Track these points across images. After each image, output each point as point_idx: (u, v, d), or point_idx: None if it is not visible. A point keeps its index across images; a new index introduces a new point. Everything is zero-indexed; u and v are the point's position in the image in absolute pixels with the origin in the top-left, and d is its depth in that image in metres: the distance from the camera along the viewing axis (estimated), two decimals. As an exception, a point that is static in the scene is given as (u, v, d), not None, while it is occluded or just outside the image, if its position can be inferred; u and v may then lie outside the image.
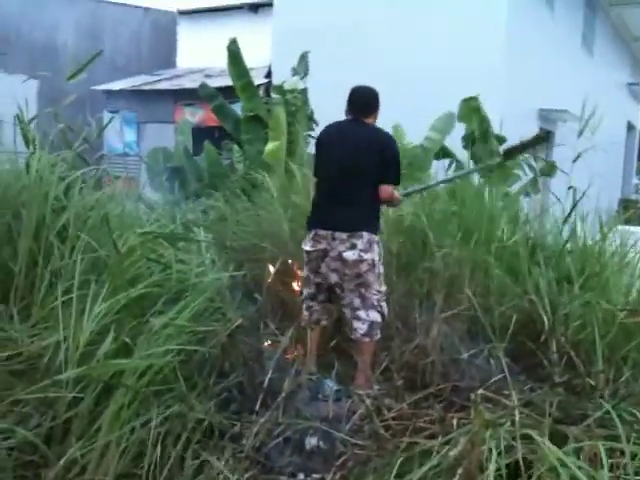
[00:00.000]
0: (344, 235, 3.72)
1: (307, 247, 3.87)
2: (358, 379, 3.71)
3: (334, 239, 3.74)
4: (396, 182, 3.93)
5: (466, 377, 3.42)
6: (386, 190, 3.83)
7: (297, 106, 7.62)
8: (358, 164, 3.81)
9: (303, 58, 7.98)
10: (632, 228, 7.84)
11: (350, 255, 3.70)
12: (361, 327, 3.76)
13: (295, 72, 7.88)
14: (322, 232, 3.79)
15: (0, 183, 3.48)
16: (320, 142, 4.04)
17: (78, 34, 16.27)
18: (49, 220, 3.20)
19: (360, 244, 3.71)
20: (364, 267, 3.73)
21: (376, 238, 3.82)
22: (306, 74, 7.91)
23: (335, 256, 3.74)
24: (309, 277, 3.93)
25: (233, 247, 4.63)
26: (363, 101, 3.99)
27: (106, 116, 13.11)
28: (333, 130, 4.02)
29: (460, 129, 7.14)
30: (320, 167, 4.00)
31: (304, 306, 3.97)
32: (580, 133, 5.06)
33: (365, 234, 3.74)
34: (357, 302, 3.79)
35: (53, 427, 2.63)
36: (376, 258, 3.79)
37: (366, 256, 3.72)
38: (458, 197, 4.93)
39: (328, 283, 3.86)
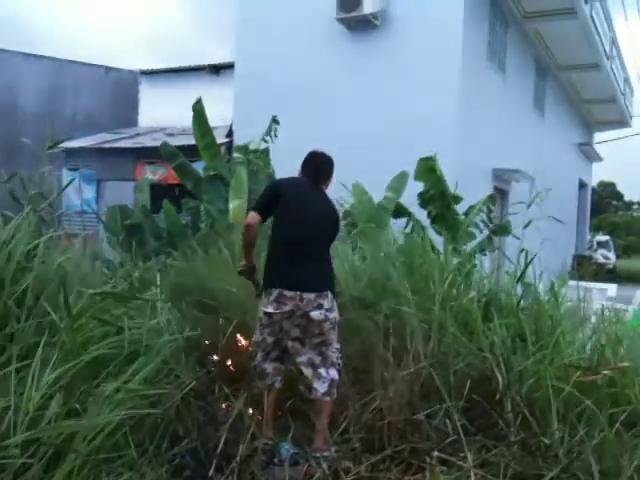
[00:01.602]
0: (312, 296, 3.68)
1: (270, 309, 3.70)
2: (317, 441, 3.63)
3: (302, 300, 3.67)
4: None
5: (423, 437, 3.41)
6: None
7: (259, 166, 7.73)
8: (323, 227, 3.86)
9: (274, 121, 8.14)
10: (585, 284, 8.03)
11: (317, 315, 3.67)
12: (322, 386, 3.70)
13: (265, 134, 8.02)
14: (288, 293, 3.67)
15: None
16: (281, 195, 3.85)
17: (39, 91, 16.31)
18: (8, 283, 3.14)
19: (326, 303, 3.71)
20: (327, 326, 3.72)
21: (334, 297, 3.84)
22: (275, 136, 8.07)
23: (301, 314, 3.68)
24: (265, 340, 3.80)
25: (189, 306, 4.57)
26: (322, 171, 4.04)
27: (65, 174, 13.06)
28: (296, 189, 3.93)
29: (418, 187, 7.29)
30: (284, 225, 3.83)
31: (257, 371, 3.85)
32: (529, 204, 5.24)
33: (329, 294, 3.76)
34: (317, 360, 3.74)
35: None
36: (337, 317, 3.80)
37: (331, 315, 3.73)
38: (411, 254, 4.98)
39: (289, 338, 3.74)
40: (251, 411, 3.86)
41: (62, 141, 4.20)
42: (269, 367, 3.83)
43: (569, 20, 12.80)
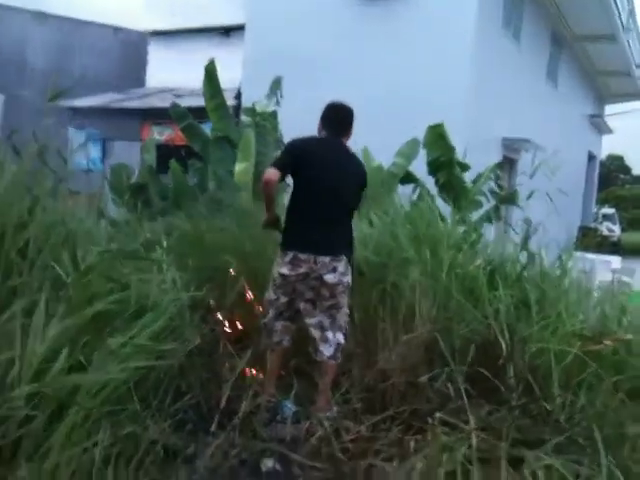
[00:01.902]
0: (327, 259, 3.67)
1: (284, 271, 3.71)
2: (319, 401, 3.67)
3: (316, 263, 3.66)
4: (359, 208, 4.09)
5: (424, 400, 3.43)
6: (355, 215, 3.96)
7: (267, 129, 7.67)
8: (343, 191, 3.80)
9: (277, 82, 8.04)
10: (589, 255, 8.02)
11: (331, 278, 3.67)
12: (328, 349, 3.72)
13: (269, 96, 7.93)
14: (303, 256, 3.66)
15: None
16: (299, 156, 3.75)
17: (48, 50, 16.20)
18: (10, 235, 3.13)
19: (340, 267, 3.71)
20: (339, 289, 3.72)
21: (350, 262, 3.83)
22: (280, 98, 7.97)
23: (315, 277, 3.68)
24: (278, 299, 3.79)
25: (195, 266, 4.58)
26: (344, 120, 3.94)
27: (72, 132, 13.02)
28: (315, 148, 3.83)
29: (425, 155, 7.23)
30: (303, 186, 3.78)
31: (266, 329, 3.86)
32: (532, 173, 5.20)
33: (344, 258, 3.75)
34: (327, 323, 3.75)
35: (2, 446, 2.55)
36: (350, 281, 3.80)
37: (344, 279, 3.73)
38: (419, 221, 4.96)
39: (302, 299, 3.75)
40: (255, 369, 3.89)
41: (63, 93, 4.13)
42: (279, 325, 3.84)
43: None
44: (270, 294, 3.85)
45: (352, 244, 3.92)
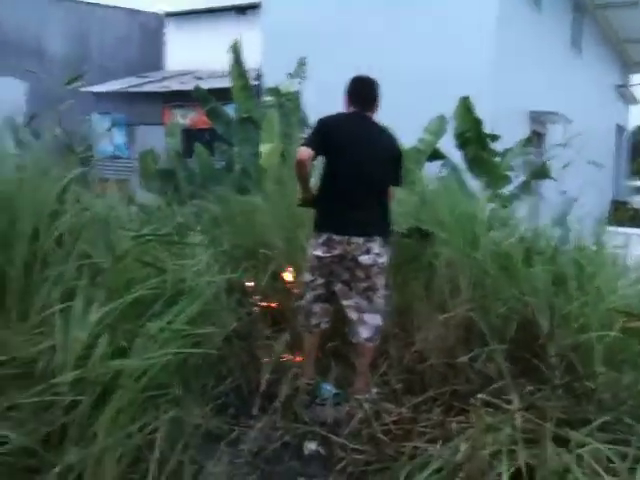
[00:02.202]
0: (360, 240, 3.63)
1: (319, 252, 3.68)
2: (357, 383, 3.65)
3: (350, 244, 3.63)
4: (400, 183, 3.98)
5: (464, 381, 3.41)
6: (394, 192, 3.90)
7: (290, 109, 7.60)
8: (376, 169, 3.74)
9: (302, 63, 7.96)
10: (623, 229, 7.89)
11: (365, 259, 3.63)
12: (365, 331, 3.69)
13: (291, 76, 7.85)
14: (337, 237, 3.63)
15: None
16: (328, 133, 3.71)
17: (65, 36, 16.20)
18: (45, 225, 3.14)
19: (375, 248, 3.66)
20: (375, 270, 3.68)
21: (387, 242, 3.78)
22: (303, 78, 7.89)
23: (350, 258, 3.65)
24: (315, 280, 3.76)
25: (229, 250, 4.58)
26: (372, 95, 3.86)
27: (96, 118, 13.05)
28: (344, 125, 3.78)
29: (450, 130, 7.13)
30: (333, 165, 3.74)
31: (304, 311, 3.83)
32: (564, 144, 5.09)
33: (379, 238, 3.70)
34: (364, 305, 3.71)
35: (49, 432, 2.58)
36: (386, 262, 3.75)
37: (379, 260, 3.68)
38: (448, 200, 4.89)
39: (339, 281, 3.71)
40: (293, 352, 3.89)
41: (79, 78, 4.13)
42: (317, 307, 3.80)
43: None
44: (306, 276, 3.82)
45: (388, 224, 3.85)
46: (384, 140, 3.86)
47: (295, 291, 4.15)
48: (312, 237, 3.78)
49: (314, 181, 3.95)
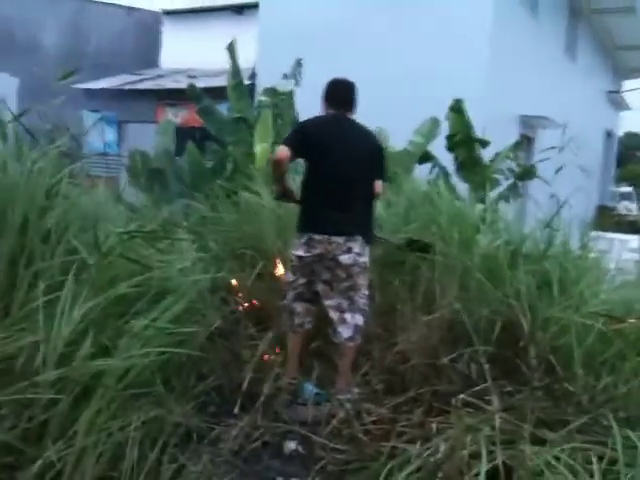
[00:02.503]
0: (341, 239, 3.65)
1: (300, 252, 3.72)
2: (339, 383, 3.68)
3: (330, 243, 3.65)
4: (385, 178, 4.00)
5: (446, 381, 3.43)
6: (379, 186, 3.91)
7: (283, 109, 7.61)
8: (357, 168, 3.77)
9: (299, 64, 7.97)
10: (608, 235, 7.93)
11: (346, 259, 3.66)
12: (346, 331, 3.71)
13: (287, 77, 7.86)
14: (317, 237, 3.66)
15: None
16: (308, 134, 3.76)
17: (61, 32, 16.15)
18: (33, 220, 3.15)
19: (356, 247, 3.68)
20: (356, 270, 3.70)
21: (369, 241, 3.80)
22: (299, 79, 7.91)
23: (331, 258, 3.67)
24: (297, 280, 3.80)
25: (215, 248, 4.59)
26: (349, 96, 3.90)
27: (86, 115, 13.01)
28: (322, 127, 3.82)
29: (444, 133, 7.17)
30: (314, 166, 3.78)
31: (287, 310, 3.87)
32: (560, 148, 5.12)
33: (360, 238, 3.72)
34: (345, 304, 3.73)
35: (29, 429, 2.59)
36: (368, 261, 3.77)
37: (360, 260, 3.71)
38: (435, 201, 4.91)
39: (320, 280, 3.74)
40: (276, 351, 3.90)
41: (73, 73, 4.12)
42: (299, 307, 3.83)
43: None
44: (289, 275, 3.86)
45: (371, 223, 3.88)
46: (363, 139, 3.88)
47: (279, 290, 4.17)
48: (295, 237, 3.81)
49: (292, 177, 3.98)
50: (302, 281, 3.78)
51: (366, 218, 3.85)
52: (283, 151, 3.63)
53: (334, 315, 3.74)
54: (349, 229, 3.69)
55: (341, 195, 3.72)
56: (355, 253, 3.68)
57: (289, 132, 3.88)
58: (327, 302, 3.76)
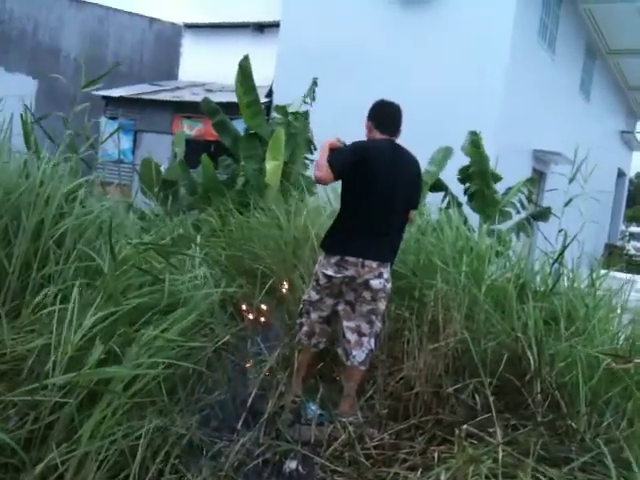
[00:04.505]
0: (374, 264, 3.63)
1: (330, 272, 3.65)
2: (343, 405, 3.66)
3: (363, 267, 3.61)
4: (417, 206, 4.04)
5: (449, 411, 3.43)
6: (413, 214, 3.94)
7: (297, 128, 7.67)
8: (404, 196, 3.75)
9: (315, 83, 8.03)
10: (616, 274, 7.91)
11: (377, 283, 3.64)
12: (360, 354, 3.69)
13: (305, 96, 7.92)
14: (351, 259, 3.60)
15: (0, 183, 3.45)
16: (367, 161, 3.61)
17: (82, 38, 16.36)
18: (48, 225, 3.18)
19: (385, 273, 3.69)
20: (381, 295, 3.69)
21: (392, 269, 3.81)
22: (313, 99, 7.97)
23: (361, 282, 3.64)
24: (322, 300, 3.76)
25: (225, 264, 4.62)
26: (400, 121, 3.81)
27: (104, 122, 13.14)
28: (380, 154, 3.68)
29: (456, 163, 7.20)
30: (360, 189, 3.65)
31: (306, 329, 3.83)
32: (572, 179, 5.12)
33: (389, 264, 3.74)
34: (364, 327, 3.71)
35: (33, 431, 2.59)
36: (390, 288, 3.78)
37: (388, 286, 3.72)
38: (445, 232, 4.93)
39: (343, 300, 3.70)
40: (283, 369, 3.91)
41: (97, 80, 4.16)
42: (319, 327, 3.82)
43: (623, 3, 12.44)
44: (312, 294, 3.81)
45: (397, 251, 3.89)
46: (410, 168, 3.83)
47: (289, 307, 4.18)
48: (322, 256, 3.78)
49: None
50: (329, 302, 3.76)
51: (397, 244, 3.86)
52: (328, 174, 3.51)
53: (351, 337, 3.71)
54: (383, 255, 3.69)
55: (380, 220, 3.69)
56: (385, 279, 3.68)
57: (345, 149, 3.68)
58: (346, 323, 3.73)
